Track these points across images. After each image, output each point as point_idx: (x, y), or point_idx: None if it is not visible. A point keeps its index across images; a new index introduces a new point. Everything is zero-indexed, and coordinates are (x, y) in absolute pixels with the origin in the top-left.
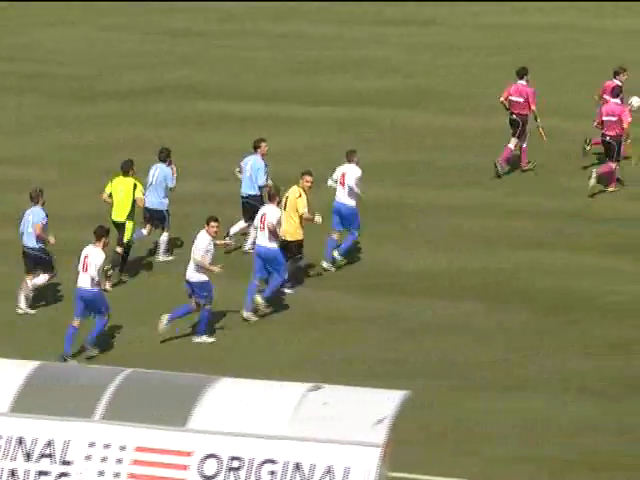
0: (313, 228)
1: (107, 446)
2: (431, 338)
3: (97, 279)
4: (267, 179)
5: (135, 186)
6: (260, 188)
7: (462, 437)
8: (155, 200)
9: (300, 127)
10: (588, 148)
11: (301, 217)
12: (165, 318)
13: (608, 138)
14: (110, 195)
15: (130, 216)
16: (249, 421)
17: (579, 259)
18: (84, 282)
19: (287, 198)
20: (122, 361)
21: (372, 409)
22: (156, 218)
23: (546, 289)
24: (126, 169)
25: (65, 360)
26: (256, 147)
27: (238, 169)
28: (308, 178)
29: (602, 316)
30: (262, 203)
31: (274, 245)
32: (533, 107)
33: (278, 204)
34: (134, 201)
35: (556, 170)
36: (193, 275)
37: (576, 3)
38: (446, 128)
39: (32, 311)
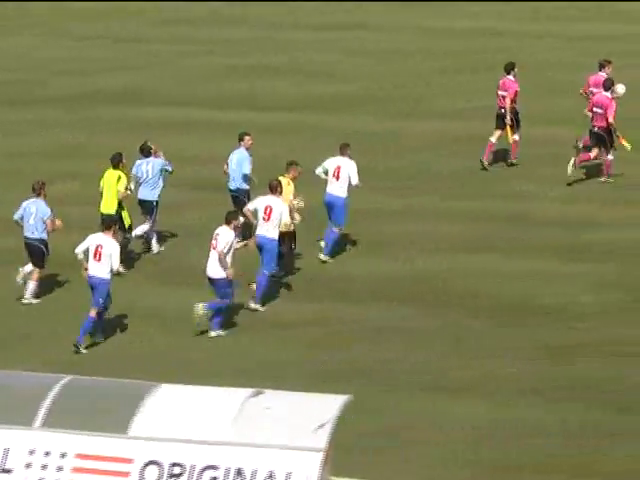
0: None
1: (47, 454)
2: (371, 342)
3: (116, 268)
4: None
5: (119, 178)
6: (246, 178)
7: (403, 441)
8: (148, 192)
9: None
10: (581, 145)
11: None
12: (201, 306)
13: (596, 129)
14: (102, 188)
15: (120, 207)
16: (190, 427)
17: (517, 263)
18: (97, 271)
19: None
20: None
21: (313, 414)
22: (146, 208)
23: (484, 293)
24: (115, 162)
25: (77, 348)
26: (240, 140)
27: (226, 166)
28: (296, 169)
29: (540, 319)
30: (249, 196)
31: (274, 236)
32: (509, 100)
33: (280, 195)
34: (118, 193)
35: (493, 174)
36: (214, 272)
37: (517, 8)
38: (389, 132)
39: (35, 300)
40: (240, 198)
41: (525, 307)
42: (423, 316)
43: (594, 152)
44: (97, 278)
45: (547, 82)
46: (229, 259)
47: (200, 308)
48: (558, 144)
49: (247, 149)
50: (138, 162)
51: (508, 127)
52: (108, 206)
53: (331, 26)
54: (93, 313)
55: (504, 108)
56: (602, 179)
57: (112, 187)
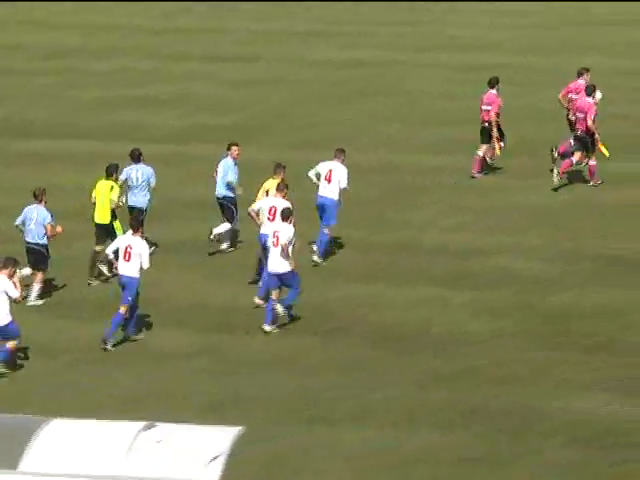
0: None
1: None
2: (265, 372)
3: (146, 266)
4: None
5: (111, 188)
6: (229, 186)
7: (294, 470)
8: (139, 199)
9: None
10: (556, 154)
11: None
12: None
13: (579, 132)
14: (95, 198)
15: (113, 217)
16: (82, 461)
17: (408, 291)
18: (127, 270)
19: (267, 191)
20: None
21: (206, 446)
22: (136, 214)
23: (376, 321)
24: (109, 172)
25: (105, 344)
26: (228, 150)
27: (215, 174)
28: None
29: (430, 347)
30: (236, 203)
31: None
32: (493, 114)
33: (284, 197)
34: (111, 202)
35: (383, 202)
36: (279, 266)
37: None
38: (262, 164)
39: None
40: (226, 205)
41: (416, 335)
42: (316, 345)
43: (577, 156)
44: (127, 277)
45: (424, 111)
46: (290, 252)
47: (279, 308)
48: (442, 173)
49: (234, 159)
50: (127, 168)
51: (495, 139)
52: (102, 216)
53: (220, 58)
54: (123, 310)
55: (488, 122)
56: (591, 184)
57: (105, 197)
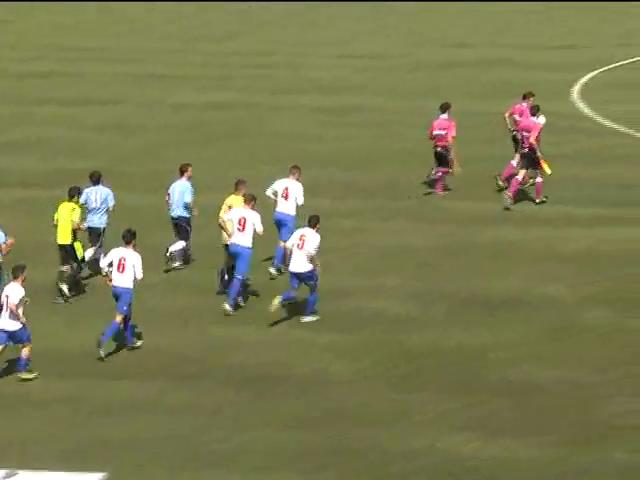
0: None
1: None
2: (129, 417)
3: (140, 277)
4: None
5: (73, 209)
6: (187, 206)
7: None
8: (97, 220)
9: None
10: (501, 183)
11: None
12: (278, 300)
13: (526, 150)
14: (57, 220)
15: (74, 238)
16: None
17: (270, 333)
18: (121, 281)
19: (230, 207)
20: None
21: None
22: (94, 234)
23: (239, 364)
24: (71, 194)
25: (99, 347)
26: (183, 171)
27: (168, 197)
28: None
29: (295, 389)
30: (190, 223)
31: (248, 244)
32: (450, 139)
33: (253, 208)
34: (72, 223)
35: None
36: (300, 266)
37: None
38: (134, 208)
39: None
40: (181, 225)
41: (279, 377)
42: (178, 389)
43: (521, 174)
44: (121, 288)
45: (286, 152)
46: (316, 256)
47: (275, 303)
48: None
49: (188, 179)
50: (87, 190)
51: (455, 160)
52: (64, 237)
53: (80, 101)
54: (118, 319)
55: (443, 147)
56: (537, 201)
57: (67, 218)
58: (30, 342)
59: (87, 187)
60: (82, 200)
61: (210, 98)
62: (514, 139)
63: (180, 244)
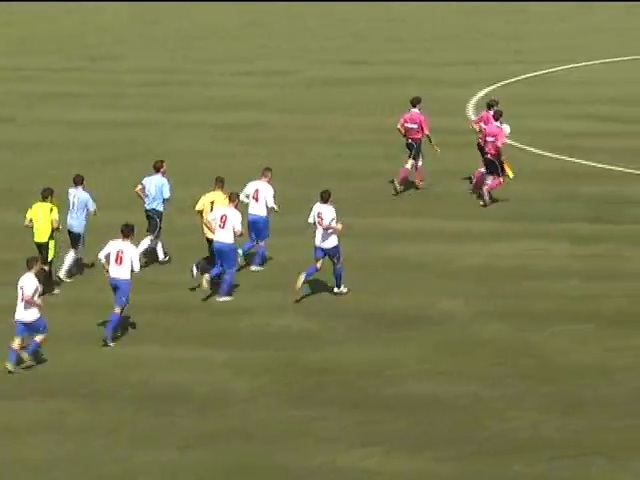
0: None
1: None
2: (23, 438)
3: (137, 269)
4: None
5: (51, 209)
6: (164, 201)
7: None
8: (76, 223)
9: None
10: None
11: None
12: (302, 277)
13: (489, 156)
14: (31, 220)
15: (51, 237)
16: None
17: (172, 351)
18: (119, 273)
19: (212, 203)
20: None
21: None
22: (75, 238)
23: (137, 382)
24: (45, 195)
25: (106, 343)
26: (158, 168)
27: (140, 187)
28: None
29: (196, 407)
30: (162, 218)
31: (230, 240)
32: (426, 131)
33: (236, 206)
34: (51, 222)
35: (151, 264)
36: (325, 242)
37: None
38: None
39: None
40: (153, 218)
41: (179, 395)
42: (78, 409)
43: (490, 179)
44: (119, 279)
45: (187, 169)
46: (334, 228)
47: (301, 279)
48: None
49: (163, 174)
50: (70, 191)
51: (435, 146)
52: (42, 235)
53: None
54: (118, 310)
55: (413, 139)
56: (482, 202)
57: (46, 217)
58: (46, 331)
59: (70, 188)
60: (71, 199)
61: (108, 116)
62: (479, 146)
63: (145, 243)
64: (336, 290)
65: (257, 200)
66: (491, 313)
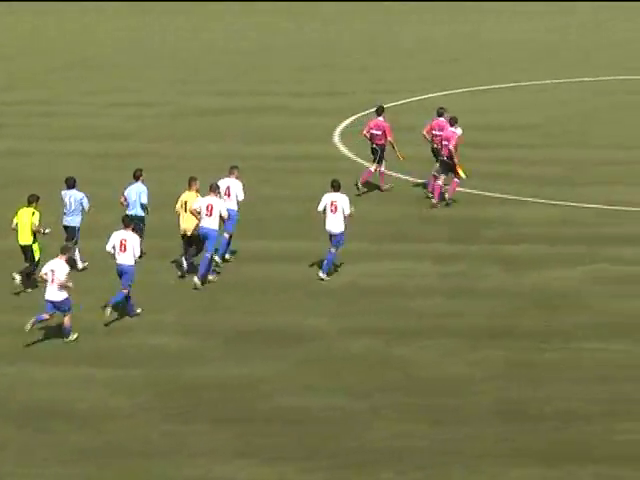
0: None
1: None
2: None
3: (138, 255)
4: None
5: (33, 213)
6: (143, 206)
7: None
8: (70, 219)
9: None
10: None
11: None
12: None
13: (445, 158)
14: (16, 224)
15: (34, 239)
16: None
17: (54, 369)
18: (124, 260)
19: (185, 202)
20: None
21: None
22: (70, 233)
23: (20, 400)
24: (31, 201)
25: (106, 308)
26: (137, 177)
27: (123, 198)
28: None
29: (77, 423)
30: (144, 221)
31: (215, 227)
32: (390, 138)
33: (217, 195)
34: (32, 225)
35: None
36: (336, 228)
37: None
38: None
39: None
40: (136, 223)
41: (62, 412)
42: None
43: (441, 179)
44: (125, 265)
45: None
46: (347, 216)
47: (321, 273)
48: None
49: (142, 182)
50: (63, 193)
51: (398, 153)
52: (24, 238)
53: None
54: (125, 290)
55: (378, 144)
56: (434, 201)
57: (27, 221)
58: (72, 311)
59: (63, 190)
60: (65, 199)
61: None
62: (433, 150)
63: None
64: (321, 275)
65: (229, 196)
66: (359, 329)
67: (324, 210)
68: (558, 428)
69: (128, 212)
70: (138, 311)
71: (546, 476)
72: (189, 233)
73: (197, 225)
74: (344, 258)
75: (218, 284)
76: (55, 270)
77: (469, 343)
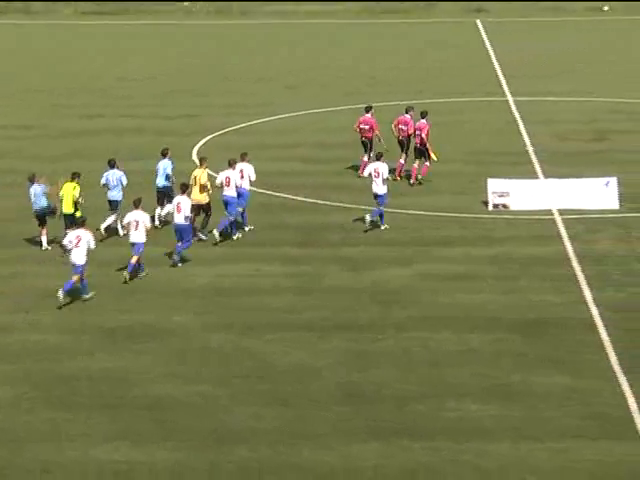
0: None
1: None
2: None
3: (189, 216)
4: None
5: (74, 187)
6: (168, 177)
7: None
8: (114, 194)
9: None
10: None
11: (201, 186)
12: (369, 216)
13: (419, 145)
14: (62, 196)
15: (75, 208)
16: None
17: None
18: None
19: (195, 177)
20: None
21: None
22: (114, 206)
23: None
24: (73, 177)
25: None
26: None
27: (103, 181)
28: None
29: None
30: (172, 192)
31: (234, 195)
32: (377, 132)
33: (234, 168)
34: (74, 197)
35: None
36: (380, 190)
37: None
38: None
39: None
40: (165, 192)
41: None
42: None
43: (417, 163)
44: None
45: None
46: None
47: (368, 216)
48: None
49: (169, 159)
50: (105, 173)
51: (384, 145)
52: (68, 207)
53: None
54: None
55: (366, 137)
56: (411, 181)
57: (70, 194)
58: (141, 254)
59: (106, 171)
60: (103, 181)
61: None
62: (400, 143)
63: (168, 207)
64: (382, 227)
65: (242, 177)
66: (218, 324)
67: (369, 174)
68: (393, 408)
69: (157, 184)
70: (143, 273)
71: (384, 450)
72: (202, 203)
73: (209, 195)
74: (204, 262)
75: (92, 286)
76: (139, 220)
77: (315, 335)
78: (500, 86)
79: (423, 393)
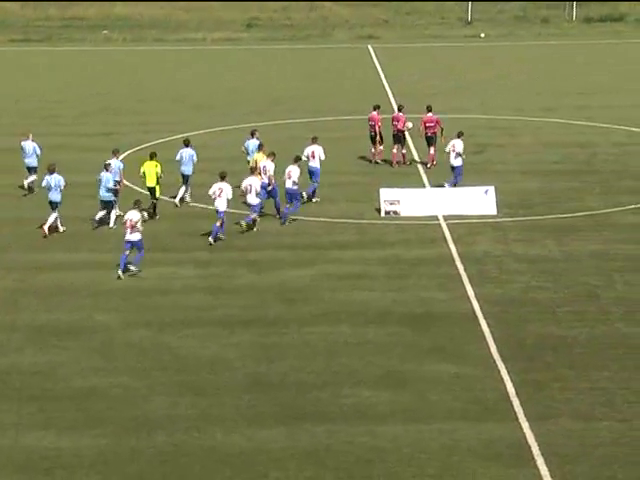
0: None
1: None
2: None
3: (229, 203)
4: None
5: (156, 165)
6: (193, 164)
7: None
8: (186, 169)
9: None
10: (396, 166)
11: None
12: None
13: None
14: (143, 172)
15: (157, 182)
16: None
17: None
18: (221, 205)
19: (256, 161)
20: None
21: None
22: (185, 178)
23: None
24: (151, 156)
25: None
26: (187, 144)
27: (179, 158)
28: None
29: None
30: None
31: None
32: (377, 126)
33: (273, 160)
34: (157, 173)
35: None
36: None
37: None
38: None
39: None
40: (188, 177)
41: None
42: None
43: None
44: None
45: None
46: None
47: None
48: None
49: (193, 147)
50: (180, 150)
51: (378, 144)
52: (151, 181)
53: None
54: (218, 223)
55: (375, 132)
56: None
57: (152, 170)
58: (222, 219)
59: (181, 148)
60: (177, 157)
61: None
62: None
63: (182, 190)
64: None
65: (314, 157)
66: (137, 322)
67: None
68: (297, 395)
69: (182, 171)
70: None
71: (288, 433)
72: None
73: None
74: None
75: (19, 289)
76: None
77: (225, 330)
78: (390, 104)
79: (323, 381)
